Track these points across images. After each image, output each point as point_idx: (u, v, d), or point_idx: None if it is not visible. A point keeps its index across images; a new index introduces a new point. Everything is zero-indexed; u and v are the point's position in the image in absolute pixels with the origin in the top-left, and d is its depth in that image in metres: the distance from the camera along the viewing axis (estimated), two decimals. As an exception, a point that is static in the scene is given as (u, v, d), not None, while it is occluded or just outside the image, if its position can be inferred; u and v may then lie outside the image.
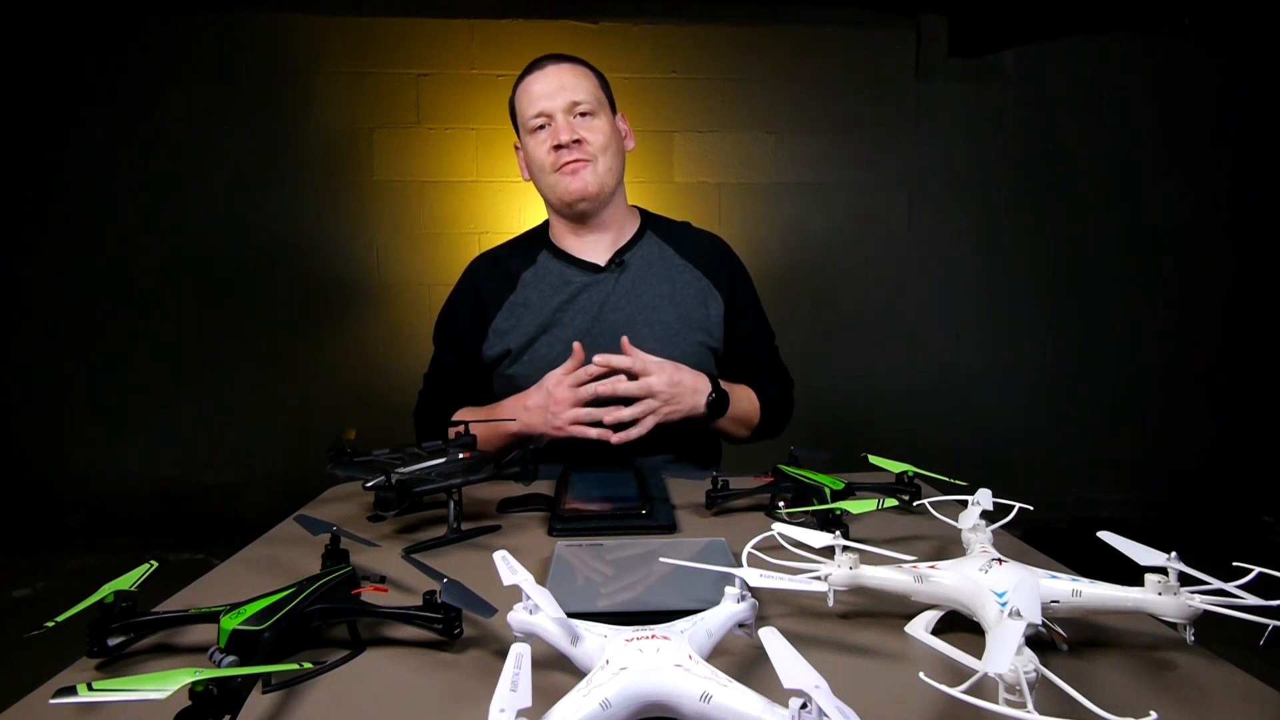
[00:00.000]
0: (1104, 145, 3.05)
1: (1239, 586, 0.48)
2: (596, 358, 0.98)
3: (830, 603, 0.54)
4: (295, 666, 0.45)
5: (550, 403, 0.98)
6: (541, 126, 1.08)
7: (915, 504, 0.83)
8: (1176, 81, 3.04)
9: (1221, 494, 3.12)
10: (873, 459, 0.88)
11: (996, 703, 0.36)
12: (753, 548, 0.60)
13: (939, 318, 3.08)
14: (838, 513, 0.72)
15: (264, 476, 2.87)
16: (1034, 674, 0.37)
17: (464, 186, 2.90)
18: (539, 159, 1.09)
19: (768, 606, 0.57)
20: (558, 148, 1.06)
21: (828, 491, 0.78)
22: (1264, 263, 3.11)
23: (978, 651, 0.41)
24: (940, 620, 0.52)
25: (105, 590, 0.53)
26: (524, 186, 2.84)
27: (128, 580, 0.55)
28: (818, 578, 0.54)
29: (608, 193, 1.10)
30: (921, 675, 0.37)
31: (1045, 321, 3.11)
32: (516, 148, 1.16)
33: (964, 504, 0.67)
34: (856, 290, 3.05)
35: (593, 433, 0.96)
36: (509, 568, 0.49)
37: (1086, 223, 3.08)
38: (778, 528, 0.60)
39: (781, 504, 0.82)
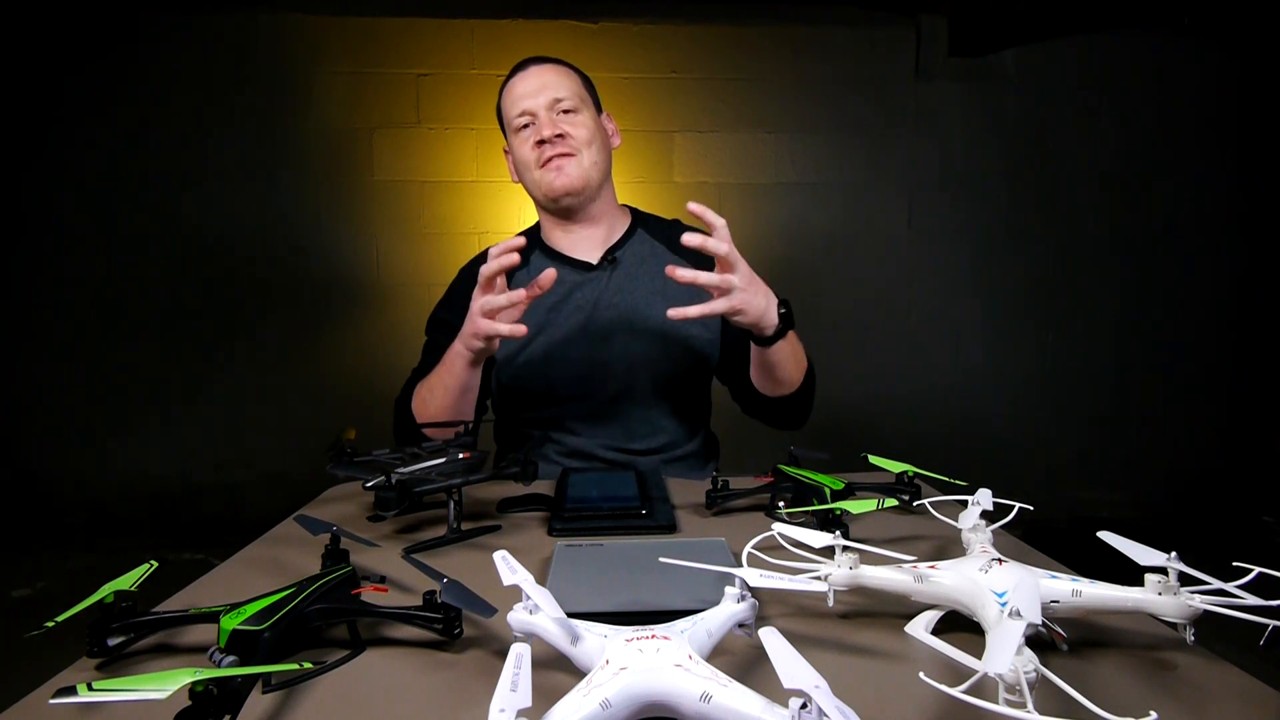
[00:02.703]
0: (1104, 145, 3.05)
1: (1239, 586, 0.48)
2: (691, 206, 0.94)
3: (830, 603, 0.54)
4: (295, 666, 0.45)
5: (470, 318, 0.91)
6: (526, 125, 1.09)
7: (915, 504, 0.83)
8: (1176, 81, 3.04)
9: (1221, 494, 3.12)
10: (873, 459, 0.88)
11: (996, 703, 0.36)
12: (753, 548, 0.60)
13: (939, 318, 3.08)
14: (838, 513, 0.72)
15: (264, 476, 2.87)
16: (1034, 674, 0.37)
17: (464, 186, 2.90)
18: (524, 156, 1.10)
19: (768, 606, 0.57)
20: (541, 143, 1.07)
21: (828, 491, 0.78)
22: (1264, 263, 3.11)
23: (978, 651, 0.41)
24: (940, 620, 0.52)
25: (105, 590, 0.53)
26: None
27: (128, 580, 0.55)
28: (818, 578, 0.54)
29: (593, 187, 1.10)
30: (921, 675, 0.37)
31: (1045, 321, 3.11)
32: (506, 151, 1.17)
33: (964, 504, 0.67)
34: (856, 290, 3.04)
35: (504, 329, 0.88)
36: (509, 568, 0.49)
37: (1086, 223, 3.08)
38: (778, 528, 0.60)
39: (781, 504, 0.82)
